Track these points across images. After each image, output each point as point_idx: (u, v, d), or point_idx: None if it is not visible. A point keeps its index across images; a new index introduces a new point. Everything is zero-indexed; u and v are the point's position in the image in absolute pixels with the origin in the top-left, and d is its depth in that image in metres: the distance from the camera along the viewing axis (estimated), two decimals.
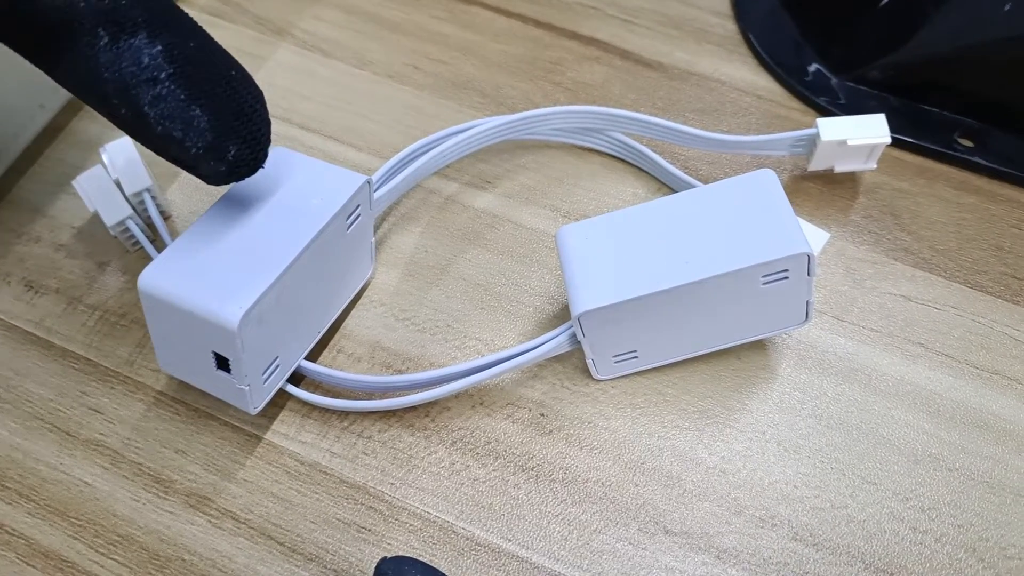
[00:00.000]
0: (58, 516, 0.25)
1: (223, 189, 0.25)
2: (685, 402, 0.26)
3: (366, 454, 0.26)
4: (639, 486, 0.25)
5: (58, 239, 0.30)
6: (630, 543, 0.24)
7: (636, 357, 0.26)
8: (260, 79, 0.33)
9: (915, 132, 0.32)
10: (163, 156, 0.21)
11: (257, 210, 0.24)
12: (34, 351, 0.28)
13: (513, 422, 0.26)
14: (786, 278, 0.24)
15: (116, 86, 0.19)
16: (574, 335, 0.25)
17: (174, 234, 0.30)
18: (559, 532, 0.24)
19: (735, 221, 0.24)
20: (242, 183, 0.24)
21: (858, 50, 0.33)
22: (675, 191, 0.30)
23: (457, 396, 0.27)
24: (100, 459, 0.26)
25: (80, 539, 0.24)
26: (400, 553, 0.24)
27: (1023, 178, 0.31)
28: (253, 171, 0.21)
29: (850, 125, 0.29)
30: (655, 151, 0.31)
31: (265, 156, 0.22)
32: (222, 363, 0.23)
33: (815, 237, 0.27)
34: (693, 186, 0.29)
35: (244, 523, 0.25)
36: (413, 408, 0.26)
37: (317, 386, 0.27)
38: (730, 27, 0.35)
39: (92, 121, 0.33)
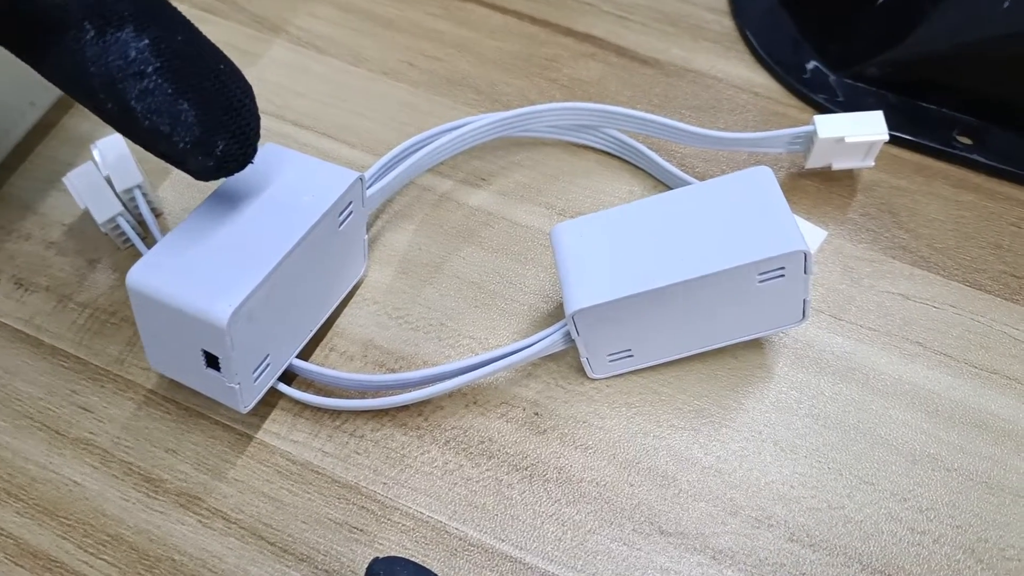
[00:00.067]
0: (47, 516, 0.25)
1: (214, 186, 0.25)
2: (681, 401, 0.26)
3: (358, 453, 0.25)
4: (634, 486, 0.25)
5: (49, 236, 0.30)
6: (625, 543, 0.24)
7: (631, 356, 0.26)
8: (254, 76, 0.33)
9: (913, 129, 0.31)
10: (151, 151, 0.20)
11: (248, 206, 0.24)
12: (23, 349, 0.27)
13: (507, 421, 0.26)
14: (782, 276, 0.23)
15: (102, 80, 0.19)
16: (568, 333, 0.25)
17: (165, 231, 0.29)
18: (553, 532, 0.24)
19: (731, 218, 0.24)
20: (233, 179, 0.24)
21: (856, 47, 0.33)
22: (671, 188, 0.30)
23: (450, 395, 0.26)
24: (90, 458, 0.25)
25: (69, 539, 0.24)
26: (392, 553, 0.24)
27: (1022, 176, 0.30)
28: (242, 166, 0.21)
29: (848, 122, 0.29)
30: (651, 148, 0.30)
31: (254, 151, 0.21)
32: (212, 361, 0.23)
33: (812, 235, 0.27)
34: (689, 183, 0.29)
35: (235, 523, 0.24)
36: (406, 407, 0.26)
37: (309, 385, 0.26)
38: (727, 24, 0.35)
39: (83, 118, 0.33)
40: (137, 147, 0.21)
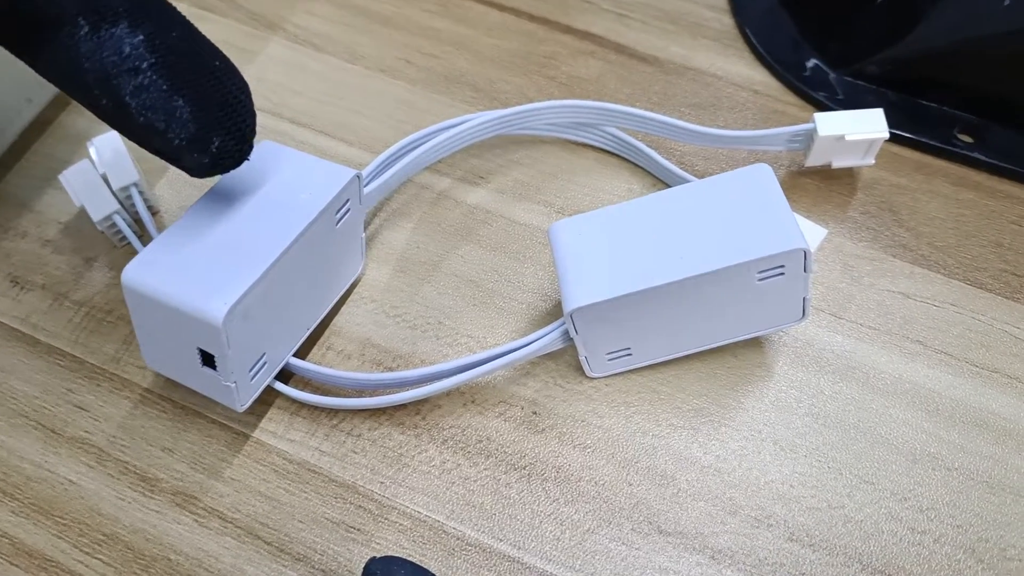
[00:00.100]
0: (42, 515, 0.24)
1: (211, 183, 0.24)
2: (680, 400, 0.26)
3: (355, 452, 0.25)
4: (633, 485, 0.25)
5: (45, 234, 0.30)
6: (623, 543, 0.24)
7: (630, 354, 0.26)
8: (251, 74, 0.33)
9: (914, 127, 0.31)
10: (146, 148, 0.20)
11: (244, 204, 0.24)
12: (19, 348, 0.27)
13: (505, 420, 0.26)
14: (782, 274, 0.23)
15: (97, 76, 0.19)
16: (567, 332, 0.25)
17: (162, 229, 0.29)
18: (551, 532, 0.24)
19: (730, 216, 0.24)
20: (229, 177, 0.24)
21: (856, 45, 0.33)
22: (670, 187, 0.30)
23: (448, 394, 0.26)
24: (85, 457, 0.25)
25: (64, 538, 0.24)
26: (389, 553, 0.24)
27: (1023, 174, 0.30)
28: (238, 163, 0.21)
29: (848, 120, 0.29)
30: (650, 146, 0.30)
31: (250, 148, 0.21)
32: (208, 360, 0.23)
33: (812, 233, 0.27)
34: (688, 181, 0.29)
35: (231, 522, 0.24)
36: (403, 406, 0.26)
37: (306, 383, 0.26)
38: (726, 21, 0.35)
39: (80, 115, 0.32)
40: (134, 145, 0.21)
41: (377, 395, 0.26)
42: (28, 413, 0.26)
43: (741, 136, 0.29)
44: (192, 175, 0.21)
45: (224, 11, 0.35)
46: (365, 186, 0.27)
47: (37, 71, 0.20)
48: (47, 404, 0.26)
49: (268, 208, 0.24)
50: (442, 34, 0.35)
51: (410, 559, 0.22)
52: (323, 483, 0.25)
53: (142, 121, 0.19)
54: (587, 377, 0.26)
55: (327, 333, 0.27)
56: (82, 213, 0.29)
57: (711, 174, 0.30)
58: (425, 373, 0.25)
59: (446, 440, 0.25)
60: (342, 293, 0.28)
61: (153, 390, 0.26)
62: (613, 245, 0.24)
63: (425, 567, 0.22)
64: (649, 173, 0.31)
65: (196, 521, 0.24)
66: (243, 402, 0.24)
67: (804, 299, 0.24)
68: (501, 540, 0.24)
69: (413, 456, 0.25)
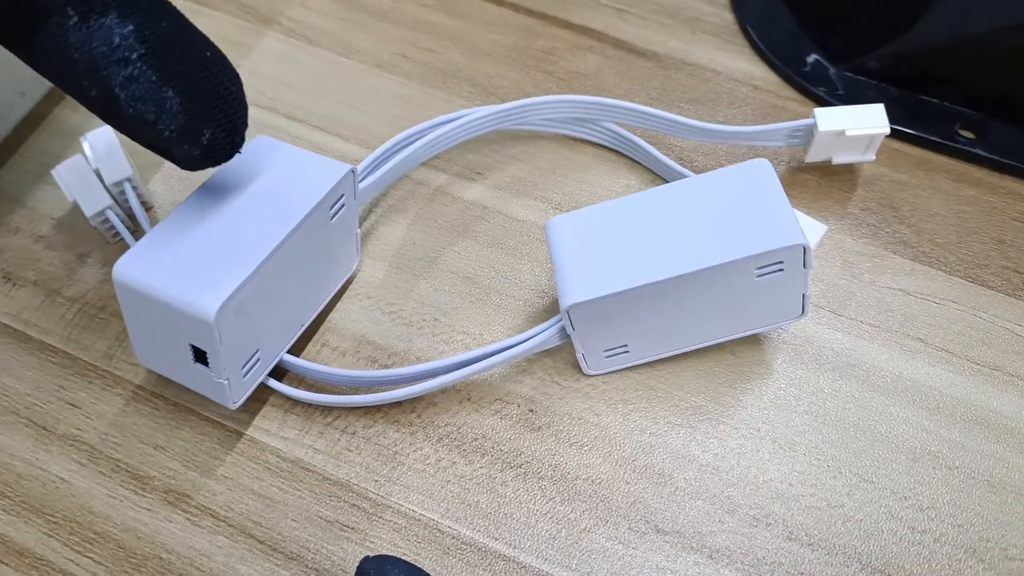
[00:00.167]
0: (33, 513, 0.24)
1: (205, 178, 0.24)
2: (678, 398, 0.26)
3: (350, 450, 0.25)
4: (630, 484, 0.24)
5: (38, 230, 0.29)
6: (620, 542, 0.23)
7: (627, 352, 0.25)
8: (245, 68, 0.33)
9: (915, 123, 0.31)
10: (137, 140, 0.20)
11: (237, 199, 0.24)
12: (11, 344, 0.27)
13: (501, 418, 0.25)
14: (781, 270, 0.23)
15: (86, 67, 0.18)
16: (564, 329, 0.25)
17: (155, 225, 0.29)
18: (547, 531, 0.24)
19: (729, 211, 0.24)
20: (223, 171, 0.24)
21: (857, 40, 0.33)
22: (669, 182, 0.30)
23: (444, 391, 0.26)
24: (77, 455, 0.25)
25: (55, 536, 0.24)
26: (384, 552, 0.23)
27: None
28: (229, 156, 0.21)
29: (848, 115, 0.28)
30: (649, 142, 0.30)
31: (242, 140, 0.21)
32: (200, 356, 0.23)
33: (812, 229, 0.26)
34: (687, 177, 0.28)
35: (223, 521, 0.24)
36: (398, 403, 0.26)
37: (300, 381, 0.26)
38: (726, 16, 0.35)
39: (74, 110, 0.32)
40: (128, 139, 0.21)
41: (372, 392, 0.25)
42: (19, 410, 0.26)
43: (740, 132, 0.29)
44: (183, 168, 0.21)
45: (218, 5, 0.35)
46: (360, 181, 0.27)
47: (25, 61, 0.20)
48: (39, 401, 0.26)
49: (262, 203, 0.23)
50: (439, 28, 0.34)
51: (404, 558, 0.22)
52: (317, 481, 0.24)
53: (132, 112, 0.19)
54: (584, 374, 0.26)
55: (322, 330, 0.27)
56: (75, 208, 0.28)
57: (710, 170, 0.29)
58: (420, 370, 0.25)
59: (441, 438, 0.25)
60: (337, 289, 0.27)
61: (145, 387, 0.26)
62: (610, 241, 0.24)
63: (419, 566, 0.22)
64: (647, 169, 0.30)
65: (188, 519, 0.24)
66: (236, 399, 0.24)
67: (803, 296, 0.24)
68: (496, 539, 0.24)
69: (408, 454, 0.25)
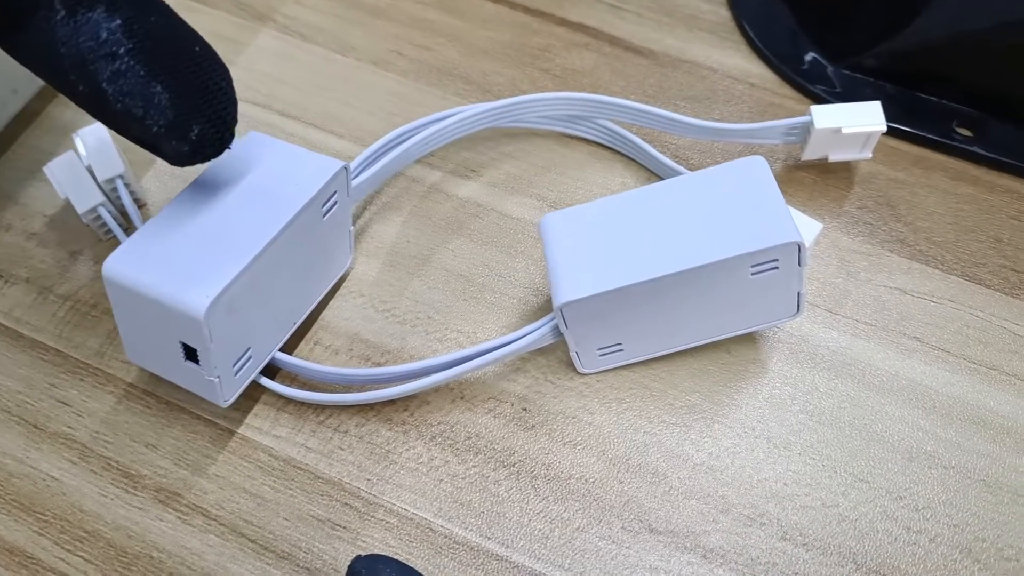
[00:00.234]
0: (23, 511, 0.24)
1: (197, 174, 0.24)
2: (672, 397, 0.25)
3: (342, 449, 0.25)
4: (624, 483, 0.24)
5: (30, 227, 0.29)
6: (613, 542, 0.23)
7: (621, 350, 0.25)
8: (240, 65, 0.33)
9: (912, 121, 0.31)
10: (125, 136, 0.20)
11: (229, 195, 0.23)
12: (2, 342, 0.27)
13: (495, 417, 0.25)
14: (776, 268, 0.23)
15: (73, 61, 0.18)
16: (557, 327, 0.24)
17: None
18: (540, 530, 0.24)
19: (723, 209, 0.23)
20: (214, 167, 0.24)
21: (855, 37, 0.33)
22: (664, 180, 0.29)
23: (437, 390, 0.26)
24: (68, 453, 0.25)
25: (46, 535, 0.24)
26: (376, 551, 0.23)
27: (1022, 168, 0.30)
28: (219, 152, 0.21)
29: (845, 113, 0.28)
30: (644, 139, 0.30)
31: (231, 136, 0.21)
32: (190, 354, 0.23)
33: (808, 227, 0.26)
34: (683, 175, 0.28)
35: (215, 519, 0.24)
36: (391, 402, 0.25)
37: (293, 379, 0.26)
38: (723, 14, 0.34)
39: (67, 107, 0.32)
40: (120, 137, 0.21)
41: (365, 391, 0.25)
42: (11, 408, 0.26)
43: (736, 129, 0.29)
44: (173, 164, 0.21)
45: (213, 2, 0.35)
46: (354, 178, 0.27)
47: (13, 56, 0.20)
48: (30, 399, 0.26)
49: (253, 199, 0.23)
50: (435, 26, 0.34)
51: (396, 557, 0.22)
52: (309, 480, 0.24)
53: (119, 108, 0.19)
54: (578, 373, 0.26)
55: (315, 328, 0.27)
56: (67, 206, 0.28)
57: (706, 167, 0.29)
58: (414, 368, 0.25)
59: (434, 437, 0.25)
60: (330, 287, 0.27)
61: (137, 385, 0.26)
62: (604, 238, 0.24)
63: (411, 566, 0.21)
64: (643, 167, 0.30)
65: (179, 518, 0.24)
66: (227, 397, 0.24)
67: (799, 294, 0.24)
68: (489, 538, 0.23)
69: (400, 453, 0.25)
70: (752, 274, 0.23)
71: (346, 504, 0.24)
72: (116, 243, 0.28)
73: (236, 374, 0.24)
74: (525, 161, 0.30)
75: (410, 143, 0.28)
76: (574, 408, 0.25)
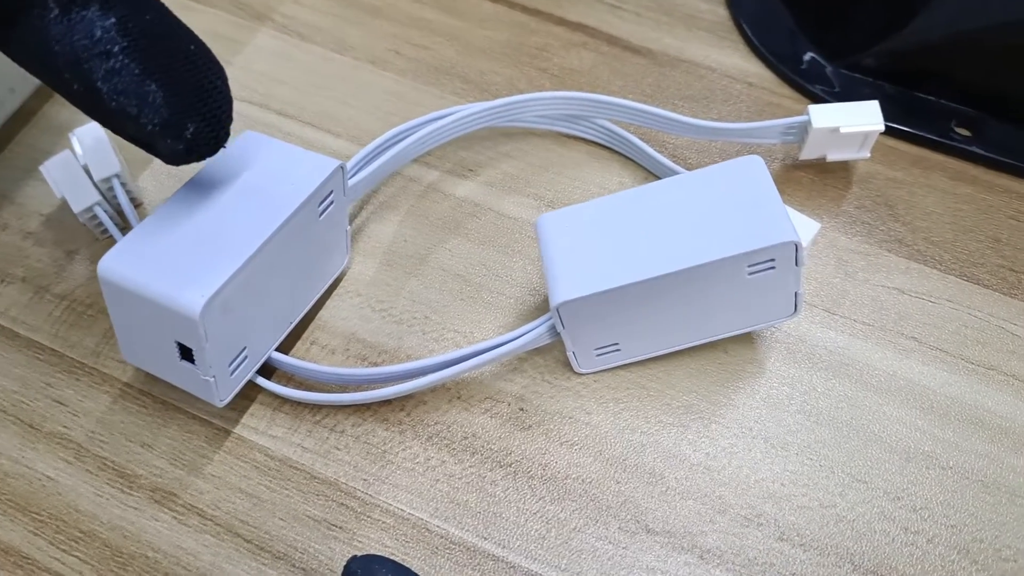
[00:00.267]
0: (19, 511, 0.24)
1: (193, 173, 0.24)
2: (669, 397, 0.25)
3: (338, 449, 0.25)
4: (620, 483, 0.24)
5: (26, 227, 0.29)
6: (610, 542, 0.23)
7: (619, 350, 0.25)
8: (237, 64, 0.33)
9: (911, 120, 0.31)
10: (120, 134, 0.20)
11: (225, 194, 0.23)
12: None
13: (491, 416, 0.25)
14: (773, 268, 0.23)
15: (67, 59, 0.18)
16: (554, 327, 0.24)
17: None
18: (537, 530, 0.23)
19: (720, 209, 0.23)
20: (210, 166, 0.24)
21: (854, 36, 0.33)
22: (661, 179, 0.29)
23: (434, 389, 0.26)
24: (63, 453, 0.25)
25: (41, 535, 0.24)
26: (372, 551, 0.23)
27: (1021, 168, 0.30)
28: (214, 150, 0.21)
29: (843, 112, 0.28)
30: (642, 139, 0.30)
31: (227, 135, 0.21)
32: (186, 353, 0.22)
33: (805, 227, 0.26)
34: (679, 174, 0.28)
35: (211, 520, 0.24)
36: (388, 402, 0.25)
37: (289, 378, 0.26)
38: (721, 13, 0.34)
39: (64, 106, 0.32)
40: (118, 136, 0.21)
41: (361, 391, 0.25)
42: (6, 408, 0.26)
43: (734, 128, 0.29)
44: (168, 162, 0.21)
45: (212, 1, 0.35)
46: (350, 178, 0.27)
47: (8, 55, 0.20)
48: (26, 399, 0.26)
49: (249, 199, 0.23)
50: (433, 25, 0.34)
51: (392, 558, 0.22)
52: (305, 480, 0.24)
53: (114, 106, 0.19)
54: (575, 373, 0.26)
55: (311, 328, 0.27)
56: (64, 205, 0.28)
57: (703, 167, 0.29)
58: (410, 368, 0.25)
59: (431, 437, 0.25)
60: (327, 287, 0.27)
61: (133, 385, 0.26)
62: (601, 238, 0.24)
63: (407, 566, 0.21)
64: (641, 166, 0.30)
65: (175, 518, 0.24)
66: (222, 397, 0.24)
67: (796, 294, 0.24)
68: (486, 539, 0.23)
69: (397, 453, 0.25)
70: (749, 274, 0.23)
71: (342, 504, 0.24)
72: (112, 242, 0.28)
73: (232, 374, 0.24)
74: (523, 160, 0.30)
75: (407, 142, 0.28)
76: (571, 408, 0.25)
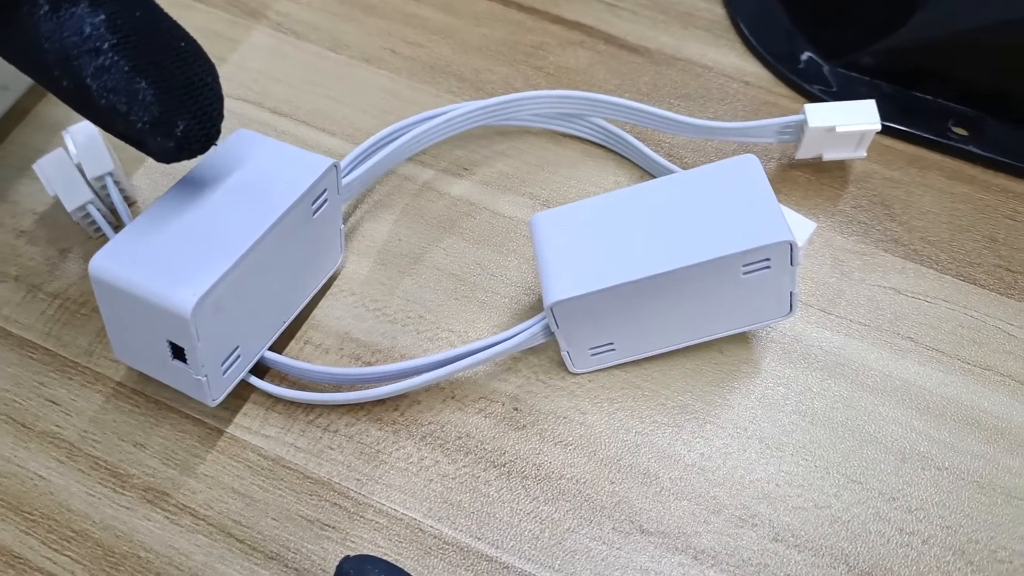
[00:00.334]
0: (10, 511, 0.24)
1: (186, 171, 0.24)
2: (664, 397, 0.25)
3: (331, 448, 0.25)
4: (615, 483, 0.24)
5: (19, 225, 0.29)
6: (604, 542, 0.23)
7: (613, 350, 0.25)
8: (232, 62, 0.33)
9: (908, 120, 0.31)
10: (110, 132, 0.20)
11: (217, 193, 0.23)
12: None
13: (485, 416, 0.25)
14: (768, 268, 0.23)
15: (57, 56, 0.18)
16: (548, 326, 0.24)
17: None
18: (531, 531, 0.23)
19: (715, 208, 0.23)
20: (203, 165, 0.24)
21: (850, 35, 0.32)
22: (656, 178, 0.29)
23: (428, 389, 0.26)
24: (56, 452, 0.25)
25: (33, 534, 0.23)
26: (364, 552, 0.23)
27: (1019, 167, 0.30)
28: (205, 148, 0.20)
29: (839, 111, 0.28)
30: (638, 138, 0.30)
31: (217, 132, 0.21)
32: (178, 352, 0.22)
33: (801, 227, 0.26)
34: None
35: (203, 519, 0.24)
36: (382, 401, 0.25)
37: (282, 378, 0.26)
38: (718, 12, 0.34)
39: (58, 104, 0.32)
40: (109, 133, 0.21)
41: (355, 390, 0.25)
42: None
43: (730, 127, 0.29)
44: (159, 160, 0.20)
45: None
46: (344, 176, 0.27)
47: None
48: (18, 398, 0.26)
49: (242, 197, 0.23)
50: (428, 23, 0.34)
51: (385, 558, 0.22)
52: (298, 480, 0.24)
53: (104, 104, 0.19)
54: (570, 373, 0.26)
55: (305, 327, 0.27)
56: (57, 203, 0.28)
57: (699, 166, 0.29)
58: (404, 368, 0.25)
59: (424, 436, 0.25)
60: (320, 286, 0.27)
61: (126, 384, 0.26)
62: (595, 237, 0.24)
63: (400, 566, 0.21)
64: (636, 165, 0.30)
65: (167, 518, 0.24)
66: (215, 396, 0.24)
67: (791, 293, 0.24)
68: (479, 539, 0.23)
69: (390, 453, 0.25)
70: (744, 273, 0.23)
71: (335, 504, 0.24)
72: (105, 241, 0.28)
73: (224, 373, 0.24)
74: (518, 159, 0.30)
75: (402, 141, 0.28)
76: (565, 408, 0.25)
